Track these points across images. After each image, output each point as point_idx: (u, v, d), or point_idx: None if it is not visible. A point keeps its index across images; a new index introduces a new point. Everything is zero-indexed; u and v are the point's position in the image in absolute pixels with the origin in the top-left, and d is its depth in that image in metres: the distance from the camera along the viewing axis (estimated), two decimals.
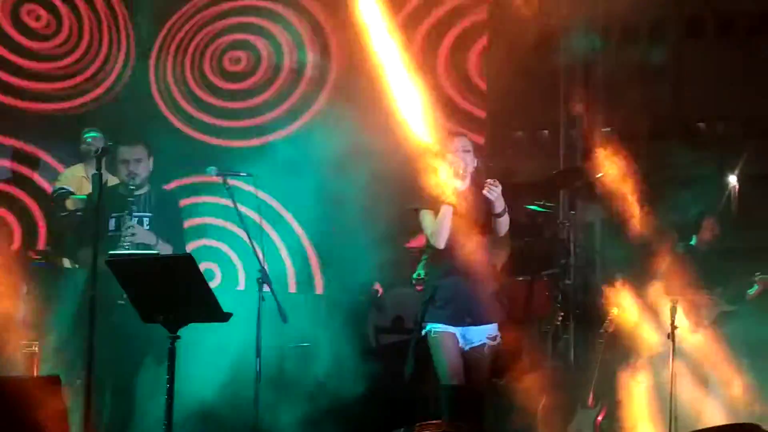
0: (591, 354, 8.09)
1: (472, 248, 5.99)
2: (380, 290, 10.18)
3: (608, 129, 12.56)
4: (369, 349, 9.63)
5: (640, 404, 7.69)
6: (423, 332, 6.11)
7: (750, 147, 16.75)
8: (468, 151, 6.14)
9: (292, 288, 10.51)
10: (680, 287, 7.94)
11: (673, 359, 7.31)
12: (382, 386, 8.41)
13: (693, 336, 7.92)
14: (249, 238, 6.52)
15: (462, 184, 6.12)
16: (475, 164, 6.19)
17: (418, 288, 7.70)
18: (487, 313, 6.09)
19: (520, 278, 9.75)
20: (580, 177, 10.78)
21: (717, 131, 22.55)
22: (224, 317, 5.20)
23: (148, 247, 6.52)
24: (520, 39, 12.79)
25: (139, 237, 6.59)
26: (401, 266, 9.71)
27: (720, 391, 7.70)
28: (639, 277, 8.61)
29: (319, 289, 10.72)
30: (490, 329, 6.09)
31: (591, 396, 7.78)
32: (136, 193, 6.75)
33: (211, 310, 5.16)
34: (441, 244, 5.98)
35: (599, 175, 11.96)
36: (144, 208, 6.76)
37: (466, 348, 6.05)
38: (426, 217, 6.07)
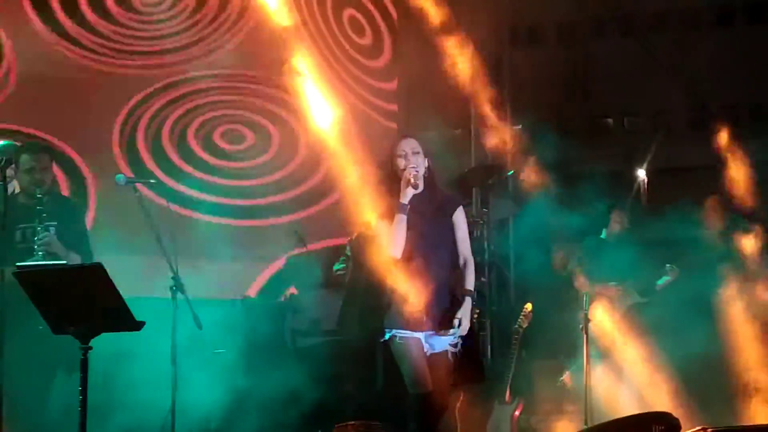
0: (507, 350, 8.14)
1: (431, 254, 5.74)
2: (295, 292, 10.16)
3: (518, 127, 12.70)
4: (286, 352, 9.59)
5: (556, 397, 7.79)
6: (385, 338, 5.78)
7: (657, 141, 17.14)
8: (417, 153, 5.77)
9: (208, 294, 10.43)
10: (591, 280, 8.06)
11: (587, 351, 7.41)
12: (300, 389, 8.39)
13: (606, 327, 8.03)
14: (161, 244, 6.43)
15: (417, 189, 5.72)
16: (427, 165, 5.79)
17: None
18: (447, 319, 5.75)
19: None
20: (491, 174, 10.90)
21: (625, 127, 23.06)
22: (136, 326, 5.13)
23: (58, 257, 6.40)
24: (430, 40, 12.89)
25: (53, 247, 6.47)
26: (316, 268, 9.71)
27: (633, 381, 7.82)
28: (552, 272, 8.73)
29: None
30: (452, 337, 5.77)
31: (508, 391, 7.84)
32: (43, 201, 6.62)
33: (123, 319, 5.08)
34: (397, 253, 5.65)
35: (510, 172, 12.14)
36: (49, 218, 6.63)
37: (428, 354, 5.75)
38: (381, 227, 5.78)
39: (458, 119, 12.89)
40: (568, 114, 21.12)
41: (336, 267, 7.76)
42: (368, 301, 6.90)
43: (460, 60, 12.73)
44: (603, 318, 8.06)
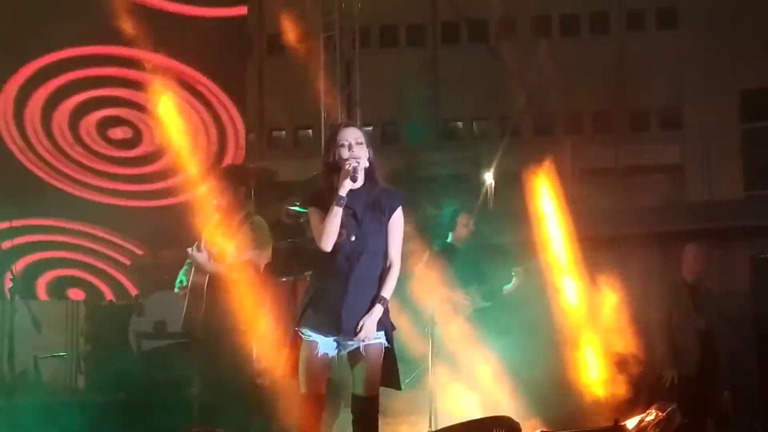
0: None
1: (360, 253, 5.41)
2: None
3: (369, 128, 12.75)
4: (131, 355, 9.43)
5: (401, 401, 7.83)
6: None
7: (505, 145, 17.47)
8: (361, 144, 5.41)
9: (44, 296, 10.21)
10: (436, 285, 8.14)
11: (432, 355, 7.49)
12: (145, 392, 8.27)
13: (449, 333, 8.13)
14: None
15: (356, 182, 5.39)
16: (369, 157, 5.44)
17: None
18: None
19: (284, 279, 9.76)
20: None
21: (474, 131, 23.45)
22: None
23: None
24: (281, 38, 12.87)
25: None
26: (160, 270, 9.59)
27: (476, 384, 7.92)
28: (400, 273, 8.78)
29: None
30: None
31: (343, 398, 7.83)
32: None
33: None
34: (328, 247, 5.31)
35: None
36: None
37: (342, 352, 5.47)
38: (313, 217, 5.45)
39: (309, 119, 12.89)
40: (418, 117, 21.38)
41: (176, 284, 7.53)
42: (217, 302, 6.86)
43: (311, 59, 12.81)
44: (448, 321, 8.16)
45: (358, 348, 5.38)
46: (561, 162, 20.24)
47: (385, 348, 5.45)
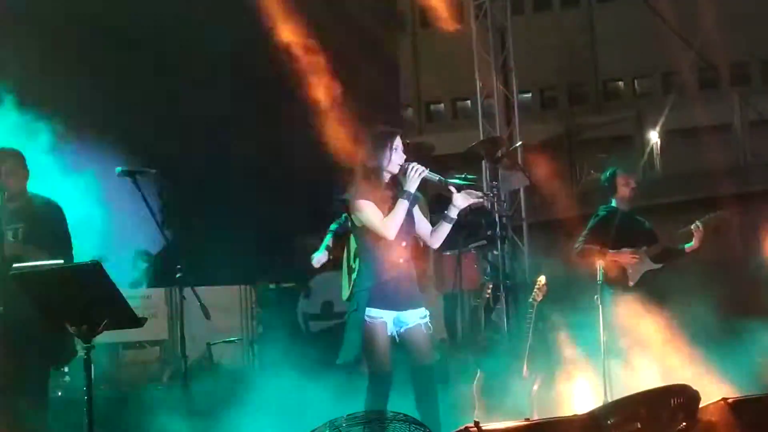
0: (522, 324, 8.02)
1: (409, 238, 6.21)
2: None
3: (527, 95, 12.54)
4: (300, 336, 9.55)
5: (574, 371, 7.68)
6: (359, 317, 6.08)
7: (669, 102, 16.98)
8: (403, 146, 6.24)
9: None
10: (604, 250, 7.93)
11: (602, 322, 7.29)
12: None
13: (620, 297, 7.91)
14: (165, 236, 6.37)
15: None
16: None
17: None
18: (420, 297, 6.29)
19: (448, 252, 9.71)
20: (500, 147, 10.76)
21: (636, 90, 22.89)
22: (139, 322, 5.06)
23: (19, 259, 6.29)
24: (433, 10, 12.78)
25: (7, 249, 6.37)
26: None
27: (650, 352, 7.70)
28: (566, 243, 8.60)
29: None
30: (422, 312, 6.20)
31: (525, 367, 7.73)
32: (9, 205, 6.52)
33: (125, 316, 5.02)
34: (393, 235, 6.05)
35: (519, 143, 12.01)
36: (17, 220, 6.51)
37: (401, 330, 6.13)
38: (365, 207, 6.07)
39: (467, 90, 12.77)
40: (576, 79, 20.99)
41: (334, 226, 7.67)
42: None
43: (465, 29, 12.68)
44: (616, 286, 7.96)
45: (419, 323, 6.13)
46: (729, 116, 19.68)
47: None
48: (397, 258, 6.12)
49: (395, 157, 6.09)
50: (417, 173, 6.04)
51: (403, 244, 6.13)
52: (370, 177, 6.11)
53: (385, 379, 6.08)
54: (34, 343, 6.16)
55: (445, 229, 6.28)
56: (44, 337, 5.93)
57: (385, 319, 6.05)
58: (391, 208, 6.06)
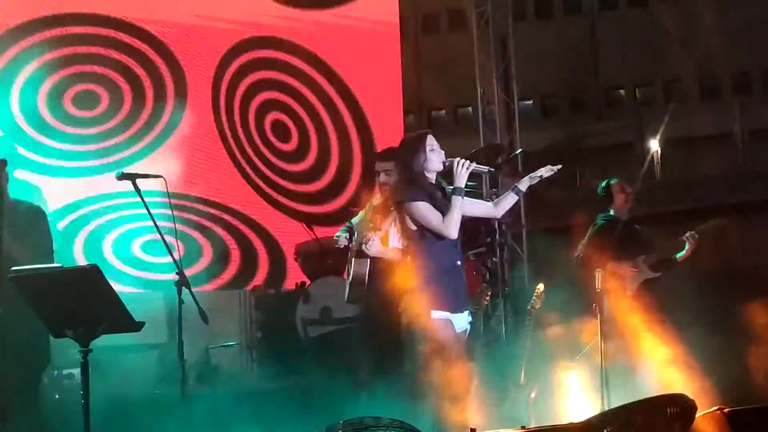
0: (521, 331, 8.04)
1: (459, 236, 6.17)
2: (307, 282, 10.11)
3: (529, 102, 12.55)
4: (299, 342, 9.54)
5: (571, 379, 7.68)
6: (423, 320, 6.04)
7: (670, 111, 16.98)
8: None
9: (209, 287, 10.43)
10: (602, 258, 7.94)
11: (601, 330, 7.29)
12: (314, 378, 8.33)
13: (618, 307, 7.91)
14: (163, 240, 6.35)
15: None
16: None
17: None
18: (469, 300, 6.36)
19: None
20: (500, 153, 10.78)
21: (637, 98, 22.89)
22: (136, 326, 5.07)
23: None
24: (433, 16, 12.79)
25: None
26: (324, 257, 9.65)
27: (648, 360, 7.70)
28: (564, 251, 8.61)
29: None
30: (468, 316, 6.23)
31: (522, 374, 7.74)
32: None
33: (122, 321, 5.03)
34: (455, 234, 6.06)
35: (519, 150, 12.02)
36: None
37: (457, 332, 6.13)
38: (420, 208, 6.03)
39: (468, 97, 12.81)
40: (578, 87, 21.01)
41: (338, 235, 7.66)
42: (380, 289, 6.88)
43: (466, 36, 12.68)
44: (614, 295, 7.95)
45: (466, 328, 6.14)
46: (729, 124, 19.69)
47: None
48: (455, 259, 6.13)
49: (433, 156, 6.10)
50: (465, 168, 6.02)
51: (457, 245, 6.13)
52: (414, 180, 6.09)
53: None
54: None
55: (511, 200, 6.32)
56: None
57: (449, 320, 6.02)
58: (441, 208, 6.02)
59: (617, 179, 8.56)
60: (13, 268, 5.56)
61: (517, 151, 11.80)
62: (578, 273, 8.06)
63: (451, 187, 6.07)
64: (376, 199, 7.31)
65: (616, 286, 8.05)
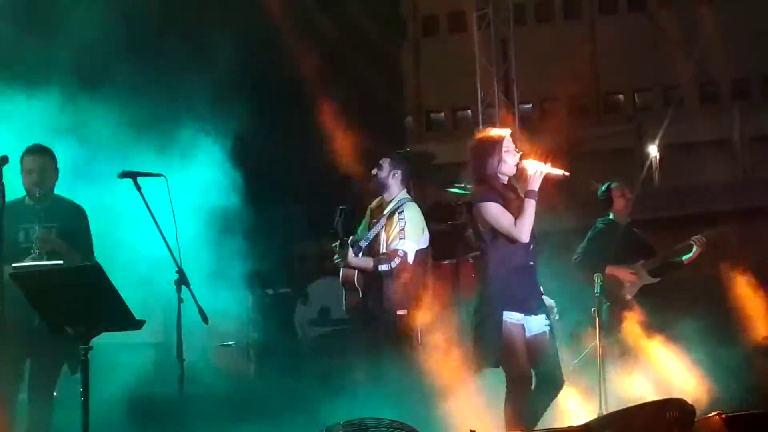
0: None
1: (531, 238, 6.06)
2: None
3: (528, 106, 12.56)
4: (297, 342, 9.55)
5: (569, 383, 7.68)
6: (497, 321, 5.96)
7: (669, 116, 16.98)
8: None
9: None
10: (601, 263, 7.93)
11: (599, 335, 7.29)
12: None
13: (618, 309, 7.92)
14: (164, 239, 6.35)
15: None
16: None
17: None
18: (543, 302, 6.22)
19: (446, 262, 9.71)
20: None
21: (636, 102, 22.89)
22: (137, 324, 5.07)
23: (59, 255, 6.32)
24: (434, 19, 12.81)
25: (51, 244, 6.41)
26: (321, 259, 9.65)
27: (646, 365, 7.71)
28: (565, 255, 8.61)
29: None
30: (546, 319, 6.16)
31: None
32: (41, 203, 6.55)
33: (123, 319, 5.03)
34: (527, 238, 5.93)
35: (520, 153, 12.01)
36: (50, 219, 6.54)
37: (529, 336, 6.04)
38: (492, 210, 5.96)
39: (467, 100, 12.80)
40: (577, 91, 21.00)
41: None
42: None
43: (466, 39, 12.70)
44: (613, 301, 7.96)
45: (544, 330, 6.07)
46: (729, 130, 19.70)
47: None
48: (528, 261, 6.06)
49: (509, 158, 6.04)
50: (539, 171, 5.96)
51: (531, 247, 6.02)
52: (488, 182, 6.02)
53: (526, 382, 6.02)
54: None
55: (530, 210, 6.01)
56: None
57: (522, 322, 5.97)
58: (513, 210, 5.94)
59: (617, 183, 8.55)
60: (14, 265, 5.59)
61: (517, 155, 11.78)
62: (576, 276, 8.07)
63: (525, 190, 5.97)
64: (375, 202, 7.34)
65: (616, 290, 8.07)
